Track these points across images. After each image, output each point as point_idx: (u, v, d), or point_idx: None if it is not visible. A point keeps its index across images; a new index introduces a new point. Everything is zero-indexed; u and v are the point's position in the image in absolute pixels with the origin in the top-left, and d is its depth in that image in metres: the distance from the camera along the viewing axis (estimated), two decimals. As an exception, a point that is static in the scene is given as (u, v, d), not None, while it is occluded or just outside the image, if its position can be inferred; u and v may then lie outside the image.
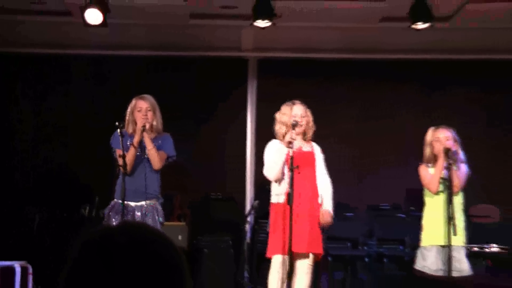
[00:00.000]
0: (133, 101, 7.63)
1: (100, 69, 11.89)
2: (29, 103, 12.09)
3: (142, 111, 7.53)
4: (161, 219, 7.59)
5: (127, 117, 7.63)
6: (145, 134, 7.45)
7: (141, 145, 7.51)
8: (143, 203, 7.49)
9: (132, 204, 7.43)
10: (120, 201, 7.36)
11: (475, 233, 10.73)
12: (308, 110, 7.65)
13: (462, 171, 7.58)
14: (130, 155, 7.40)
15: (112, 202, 7.55)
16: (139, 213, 7.46)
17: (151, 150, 7.48)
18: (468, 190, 7.73)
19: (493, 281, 10.16)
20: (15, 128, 12.07)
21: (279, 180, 7.47)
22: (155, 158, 7.51)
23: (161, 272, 1.69)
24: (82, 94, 11.96)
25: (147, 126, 7.45)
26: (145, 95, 7.66)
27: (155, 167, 7.56)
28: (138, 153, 7.49)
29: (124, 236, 1.72)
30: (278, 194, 7.49)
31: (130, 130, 7.57)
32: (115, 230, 1.75)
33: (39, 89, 12.10)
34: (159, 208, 7.61)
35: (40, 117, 12.06)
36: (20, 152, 11.96)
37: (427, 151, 7.69)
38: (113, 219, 7.42)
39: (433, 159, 7.62)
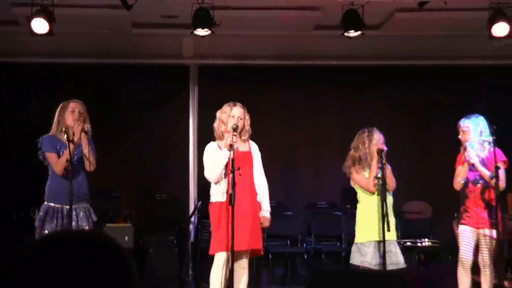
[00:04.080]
0: (64, 104, 7.35)
1: (48, 76, 11.59)
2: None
3: (76, 113, 7.29)
4: (95, 218, 7.36)
5: (55, 120, 7.36)
6: (83, 135, 7.19)
7: (77, 148, 7.25)
8: (80, 205, 7.23)
9: (68, 207, 7.10)
10: (54, 204, 7.14)
11: (409, 229, 10.80)
12: (247, 113, 7.54)
13: (390, 171, 7.60)
14: (65, 157, 7.11)
15: (46, 206, 7.22)
16: (76, 215, 7.17)
17: (90, 151, 7.24)
18: (402, 188, 7.73)
19: (424, 273, 10.22)
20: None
21: (219, 181, 7.35)
22: (93, 159, 7.28)
23: (124, 277, 1.75)
24: (33, 100, 11.62)
25: (86, 128, 7.21)
26: (75, 99, 7.42)
27: (92, 168, 7.29)
28: (75, 155, 7.22)
29: (103, 244, 1.75)
30: (217, 193, 7.33)
31: (59, 134, 7.31)
32: (93, 238, 1.78)
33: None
34: (91, 208, 7.36)
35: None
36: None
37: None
38: (52, 223, 7.10)
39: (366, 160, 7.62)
